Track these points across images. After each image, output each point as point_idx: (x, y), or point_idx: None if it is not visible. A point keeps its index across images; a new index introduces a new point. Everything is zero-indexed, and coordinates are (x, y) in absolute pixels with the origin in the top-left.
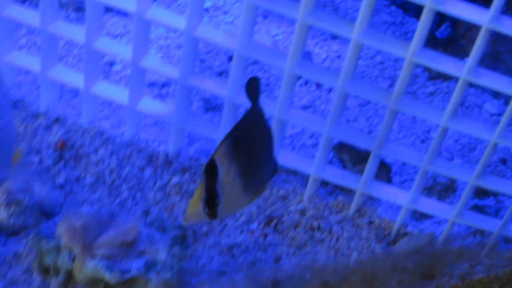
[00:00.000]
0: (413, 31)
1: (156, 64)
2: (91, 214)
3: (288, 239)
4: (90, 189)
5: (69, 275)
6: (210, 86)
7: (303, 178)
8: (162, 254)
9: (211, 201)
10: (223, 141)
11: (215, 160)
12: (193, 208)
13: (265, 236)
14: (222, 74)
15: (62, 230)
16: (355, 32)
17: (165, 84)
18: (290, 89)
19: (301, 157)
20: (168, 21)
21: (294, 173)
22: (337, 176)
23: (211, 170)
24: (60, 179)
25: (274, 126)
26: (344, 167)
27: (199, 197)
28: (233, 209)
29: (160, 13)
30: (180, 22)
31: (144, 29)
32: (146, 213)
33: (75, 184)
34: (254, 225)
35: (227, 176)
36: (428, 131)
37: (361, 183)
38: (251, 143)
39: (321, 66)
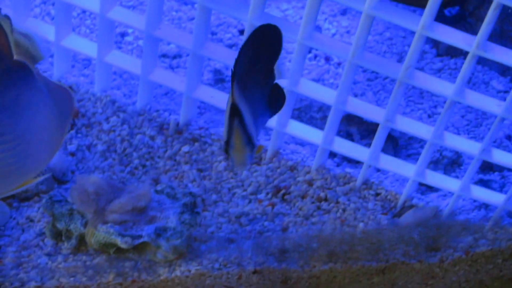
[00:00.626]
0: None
1: (168, 34)
2: (103, 180)
3: (295, 209)
4: (101, 157)
5: (81, 239)
6: (222, 57)
7: (311, 150)
8: (172, 221)
9: (252, 144)
10: (232, 85)
11: (237, 104)
12: (242, 154)
13: (273, 205)
14: (232, 47)
15: (75, 195)
16: (367, 4)
17: (177, 55)
18: (301, 62)
19: (309, 128)
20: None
21: (302, 144)
22: (344, 147)
23: (238, 114)
24: (72, 146)
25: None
26: (352, 139)
27: (241, 142)
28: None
29: None
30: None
31: (157, 1)
32: (156, 181)
33: (86, 152)
34: (262, 195)
35: (247, 117)
36: (435, 106)
37: (368, 155)
38: (254, 78)
39: (332, 39)
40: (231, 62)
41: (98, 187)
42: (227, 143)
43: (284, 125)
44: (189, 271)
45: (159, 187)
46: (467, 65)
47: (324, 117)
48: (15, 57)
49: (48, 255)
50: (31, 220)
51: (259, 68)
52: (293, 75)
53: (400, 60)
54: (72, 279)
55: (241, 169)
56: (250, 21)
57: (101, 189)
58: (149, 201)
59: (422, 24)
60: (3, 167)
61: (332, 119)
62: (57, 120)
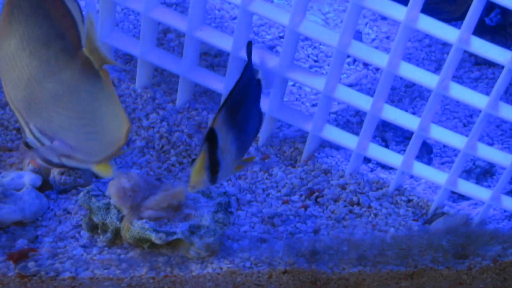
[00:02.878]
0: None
1: (210, 35)
2: (140, 176)
3: (328, 212)
4: (139, 153)
5: (116, 233)
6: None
7: (346, 154)
8: (206, 219)
9: (215, 170)
10: (220, 109)
11: (214, 129)
12: (198, 176)
13: (306, 207)
14: (273, 48)
15: (112, 190)
16: (406, 15)
17: (217, 54)
18: (339, 67)
19: (344, 133)
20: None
21: (337, 148)
22: (379, 153)
23: (211, 138)
24: None
25: (321, 102)
26: (386, 145)
27: (202, 165)
28: (228, 174)
29: None
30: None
31: (200, 1)
32: None
33: (125, 147)
34: (295, 197)
35: (225, 143)
36: (471, 116)
37: (402, 162)
38: (243, 108)
39: (370, 47)
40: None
41: (135, 184)
42: (193, 160)
43: (320, 129)
44: (221, 268)
45: None
46: (502, 79)
47: (361, 122)
48: (84, 49)
49: (84, 247)
50: (68, 212)
51: (250, 101)
52: (330, 80)
53: (438, 68)
54: (106, 271)
55: (191, 190)
56: (290, 27)
57: (137, 185)
58: (184, 199)
59: (460, 37)
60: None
61: (368, 125)
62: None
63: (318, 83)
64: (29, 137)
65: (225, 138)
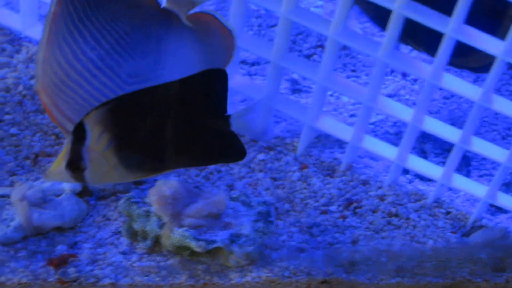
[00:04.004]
0: None
1: (249, 43)
2: (181, 184)
3: (366, 223)
4: None
5: (156, 240)
6: (302, 68)
7: (384, 165)
8: (246, 228)
9: (74, 165)
10: (99, 106)
11: (84, 124)
12: (56, 166)
13: (344, 218)
14: (310, 57)
15: (153, 198)
16: (450, 27)
17: (255, 62)
18: (381, 77)
19: (384, 144)
20: (266, 5)
21: (376, 159)
22: (418, 165)
23: (78, 133)
24: None
25: (361, 113)
26: (425, 157)
27: (63, 157)
28: (109, 179)
29: None
30: (276, 4)
31: (242, 8)
32: (230, 187)
33: None
34: (334, 207)
35: (96, 143)
36: (509, 128)
37: (442, 175)
38: (152, 116)
39: (412, 57)
40: (309, 74)
41: (176, 192)
42: None
43: (359, 140)
44: (260, 277)
45: (234, 195)
46: None
47: (399, 133)
48: (165, 5)
49: (123, 253)
50: (108, 219)
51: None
52: (371, 91)
53: (477, 79)
54: (145, 278)
55: (46, 178)
56: (332, 36)
57: (178, 193)
58: (225, 208)
59: (503, 49)
60: None
61: (408, 137)
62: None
63: (359, 93)
64: None
65: (98, 138)
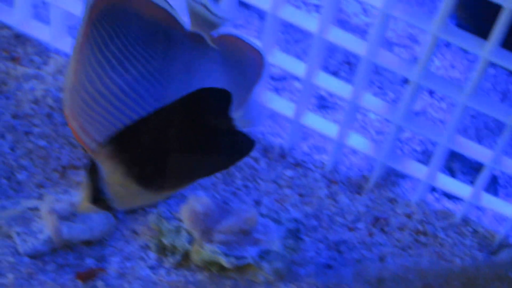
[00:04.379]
0: None
1: (281, 60)
2: (212, 201)
3: (393, 240)
4: None
5: (185, 255)
6: (330, 85)
7: (412, 183)
8: (276, 245)
9: (96, 200)
10: (108, 140)
11: (95, 162)
12: (83, 202)
13: (371, 235)
14: (336, 73)
15: (185, 214)
16: (486, 50)
17: (282, 78)
18: (413, 97)
19: (414, 162)
20: (300, 22)
21: (403, 177)
22: (448, 184)
23: (92, 171)
24: None
25: (391, 131)
26: (453, 175)
27: (87, 196)
28: (136, 202)
29: (292, 13)
30: (311, 23)
31: (274, 27)
32: (258, 203)
33: None
34: (361, 224)
35: (112, 176)
36: None
37: (470, 194)
38: (160, 137)
39: (445, 78)
40: (338, 91)
41: (208, 208)
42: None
43: (388, 158)
44: None
45: (264, 211)
46: None
47: (426, 151)
48: (191, 28)
49: (151, 268)
50: (136, 233)
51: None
52: (401, 109)
53: (504, 99)
54: None
55: (80, 211)
56: (366, 56)
57: (210, 210)
58: (255, 225)
59: None
60: None
61: (438, 156)
62: (236, 90)
63: (390, 111)
64: None
65: (112, 170)
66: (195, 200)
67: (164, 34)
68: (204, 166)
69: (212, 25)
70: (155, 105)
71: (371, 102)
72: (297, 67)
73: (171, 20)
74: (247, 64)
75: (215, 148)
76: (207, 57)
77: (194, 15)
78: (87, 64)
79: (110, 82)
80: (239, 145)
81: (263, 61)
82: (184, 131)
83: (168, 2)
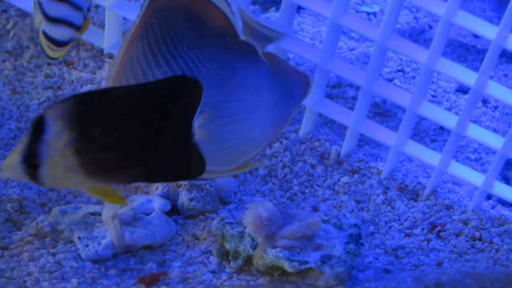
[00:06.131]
0: None
1: (340, 68)
2: (276, 207)
3: (450, 246)
4: (262, 181)
5: (247, 260)
6: (387, 92)
7: (467, 190)
8: (338, 250)
9: (29, 160)
10: (64, 100)
11: (45, 117)
12: (10, 160)
13: (428, 241)
14: (391, 81)
15: (249, 219)
16: None
17: (336, 85)
18: (472, 106)
19: (471, 170)
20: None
21: (459, 184)
22: (504, 191)
23: (38, 126)
24: None
25: (451, 139)
26: (508, 183)
27: (19, 151)
28: (67, 183)
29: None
30: (372, 32)
31: (335, 35)
32: (315, 209)
33: (248, 175)
34: (417, 230)
35: (56, 139)
36: None
37: None
38: (118, 120)
39: (506, 88)
40: (394, 98)
41: (272, 214)
42: None
43: (446, 165)
44: None
45: (325, 217)
46: None
47: (480, 159)
48: (243, 37)
49: (213, 272)
50: (197, 238)
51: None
52: (463, 119)
53: None
54: None
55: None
56: (427, 64)
57: (274, 215)
58: (318, 230)
59: None
60: (217, 142)
61: (496, 163)
62: (280, 104)
63: (450, 120)
64: None
65: (58, 133)
66: (259, 206)
67: (218, 39)
68: (148, 171)
69: (268, 39)
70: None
71: (429, 109)
72: (357, 77)
73: (229, 26)
74: (292, 84)
75: (167, 158)
76: (256, 69)
77: (249, 26)
78: (134, 56)
79: (152, 78)
80: (190, 165)
81: (309, 84)
82: (145, 126)
83: (230, 9)
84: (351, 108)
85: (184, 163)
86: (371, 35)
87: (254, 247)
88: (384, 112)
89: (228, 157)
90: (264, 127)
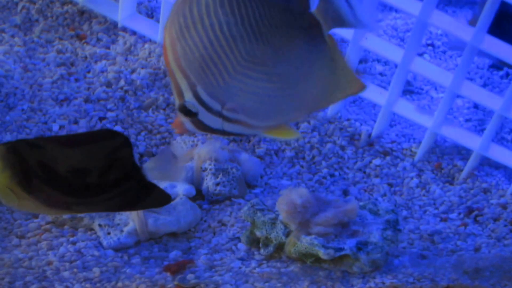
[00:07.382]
0: None
1: (375, 45)
2: (310, 193)
3: (488, 231)
4: (289, 163)
5: (278, 247)
6: (432, 74)
7: (506, 173)
8: (375, 236)
9: None
10: (3, 144)
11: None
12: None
13: (465, 226)
14: (421, 55)
15: (282, 206)
16: None
17: (362, 60)
18: None
19: (508, 151)
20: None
21: (497, 167)
22: None
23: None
24: (261, 150)
25: (493, 122)
26: None
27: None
28: (25, 208)
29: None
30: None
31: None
32: (345, 192)
33: (274, 156)
34: (454, 215)
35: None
36: None
37: None
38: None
39: None
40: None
41: (306, 200)
42: None
43: (485, 148)
44: (384, 283)
45: (361, 203)
46: None
47: None
48: (315, 12)
49: (241, 259)
50: (223, 224)
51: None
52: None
53: None
54: (266, 284)
55: None
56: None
57: (308, 202)
58: (355, 217)
59: None
60: (259, 96)
61: None
62: (324, 89)
63: (491, 102)
64: (190, 100)
65: (2, 172)
66: (293, 192)
67: (286, 2)
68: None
69: (337, 21)
70: (243, 64)
71: (473, 90)
72: (393, 54)
73: None
74: (342, 77)
75: (119, 195)
76: (315, 44)
77: (329, 6)
78: None
79: (215, 18)
80: (150, 198)
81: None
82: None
83: None
84: (380, 85)
85: (143, 198)
86: (412, 10)
87: (287, 234)
88: (414, 90)
89: (267, 112)
90: (304, 99)
